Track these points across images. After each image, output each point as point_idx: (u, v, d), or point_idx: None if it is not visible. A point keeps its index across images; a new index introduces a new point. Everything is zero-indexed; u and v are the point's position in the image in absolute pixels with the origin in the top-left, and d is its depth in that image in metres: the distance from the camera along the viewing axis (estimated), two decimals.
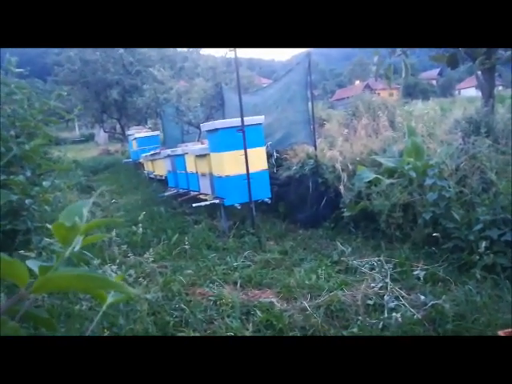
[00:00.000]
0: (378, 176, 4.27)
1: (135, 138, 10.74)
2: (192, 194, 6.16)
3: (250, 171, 4.96)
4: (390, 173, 4.36)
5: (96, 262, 2.80)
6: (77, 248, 0.60)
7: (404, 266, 3.53)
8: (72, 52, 12.56)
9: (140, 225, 2.92)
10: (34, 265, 0.59)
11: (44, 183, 2.07)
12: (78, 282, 0.52)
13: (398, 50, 2.13)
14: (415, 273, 3.38)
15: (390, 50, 2.15)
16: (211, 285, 3.56)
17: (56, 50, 13.94)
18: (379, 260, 3.71)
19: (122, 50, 11.85)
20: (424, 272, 3.35)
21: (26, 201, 2.00)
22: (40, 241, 2.06)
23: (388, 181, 4.21)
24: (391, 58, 2.21)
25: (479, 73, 4.95)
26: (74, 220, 0.52)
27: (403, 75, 2.21)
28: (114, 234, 3.47)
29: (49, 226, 2.34)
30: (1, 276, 0.50)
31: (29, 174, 2.20)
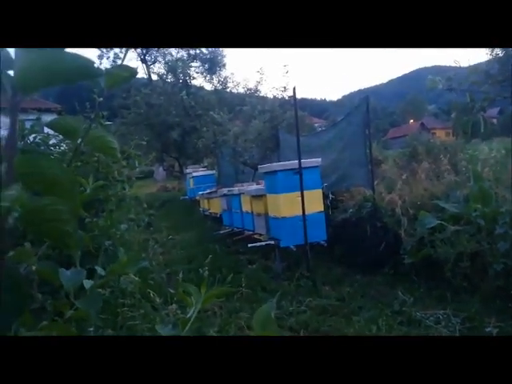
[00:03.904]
0: (443, 222, 4.09)
1: (192, 177, 11.19)
2: (246, 233, 6.23)
3: (307, 213, 4.95)
4: (455, 219, 4.14)
5: (159, 300, 2.89)
6: (194, 314, 0.64)
7: (474, 321, 3.29)
8: (138, 97, 13.63)
9: (206, 268, 3.00)
10: (162, 330, 0.64)
11: (122, 226, 2.22)
12: None
13: (478, 106, 2.10)
14: (487, 330, 3.13)
15: (469, 105, 2.13)
16: None
17: (124, 94, 15.13)
18: (445, 313, 3.48)
19: (184, 96, 12.69)
20: (497, 329, 3.09)
21: (106, 242, 2.14)
22: (115, 280, 2.18)
23: (453, 228, 4.00)
24: (469, 114, 2.18)
25: None
26: (270, 326, 0.57)
27: (481, 130, 2.17)
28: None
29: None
30: None
31: (106, 215, 2.36)
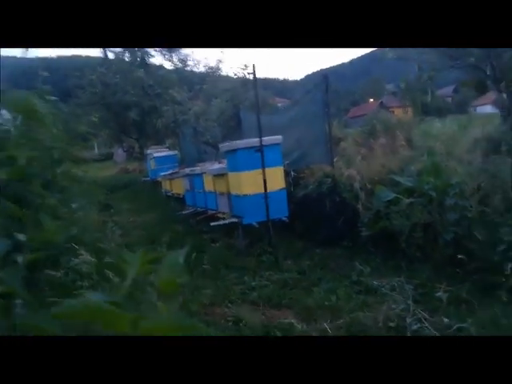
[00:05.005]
0: (398, 195, 4.25)
1: (154, 157, 10.95)
2: (210, 212, 6.21)
3: (268, 190, 4.99)
4: (409, 192, 4.33)
5: (115, 280, 2.84)
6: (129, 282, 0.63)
7: (426, 287, 3.47)
8: (93, 76, 13.01)
9: (164, 245, 2.97)
10: (92, 295, 0.62)
11: (73, 205, 2.14)
12: (179, 330, 0.54)
13: (425, 76, 2.16)
14: (437, 294, 3.32)
15: (416, 75, 2.18)
16: (230, 305, 3.56)
17: (78, 73, 14.40)
18: (400, 281, 3.65)
19: (142, 74, 12.22)
20: (447, 294, 3.29)
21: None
22: (68, 261, 2.11)
23: (407, 200, 4.18)
24: (417, 83, 2.23)
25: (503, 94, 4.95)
26: (180, 275, 0.56)
27: (429, 99, 2.24)
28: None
29: (75, 246, 2.38)
30: (110, 328, 0.53)
31: (58, 196, 2.27)
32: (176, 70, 15.86)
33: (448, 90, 45.30)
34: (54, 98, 2.44)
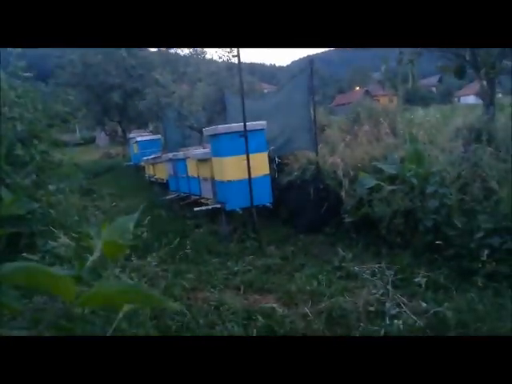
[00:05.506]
0: (380, 182, 4.29)
1: (137, 142, 10.77)
2: (193, 198, 6.17)
3: (252, 176, 4.96)
4: (391, 179, 4.37)
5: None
6: (97, 255, 0.61)
7: (405, 272, 3.54)
8: (74, 55, 12.62)
9: (145, 229, 2.94)
10: (58, 271, 0.60)
11: (50, 187, 2.09)
12: (125, 296, 0.52)
13: (405, 59, 2.16)
14: (416, 280, 3.39)
15: (397, 59, 2.18)
16: (212, 289, 3.56)
17: (58, 53, 13.97)
18: (380, 266, 3.71)
19: (125, 54, 11.91)
20: (425, 279, 3.35)
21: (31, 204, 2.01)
22: (44, 244, 2.07)
23: (389, 187, 4.22)
24: (398, 66, 2.24)
25: (483, 81, 4.99)
26: (125, 237, 0.54)
27: (410, 84, 2.24)
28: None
29: (53, 229, 2.33)
30: (50, 291, 0.52)
31: (34, 177, 2.21)
32: (159, 52, 15.53)
33: (433, 80, 45.73)
34: (28, 74, 2.36)
